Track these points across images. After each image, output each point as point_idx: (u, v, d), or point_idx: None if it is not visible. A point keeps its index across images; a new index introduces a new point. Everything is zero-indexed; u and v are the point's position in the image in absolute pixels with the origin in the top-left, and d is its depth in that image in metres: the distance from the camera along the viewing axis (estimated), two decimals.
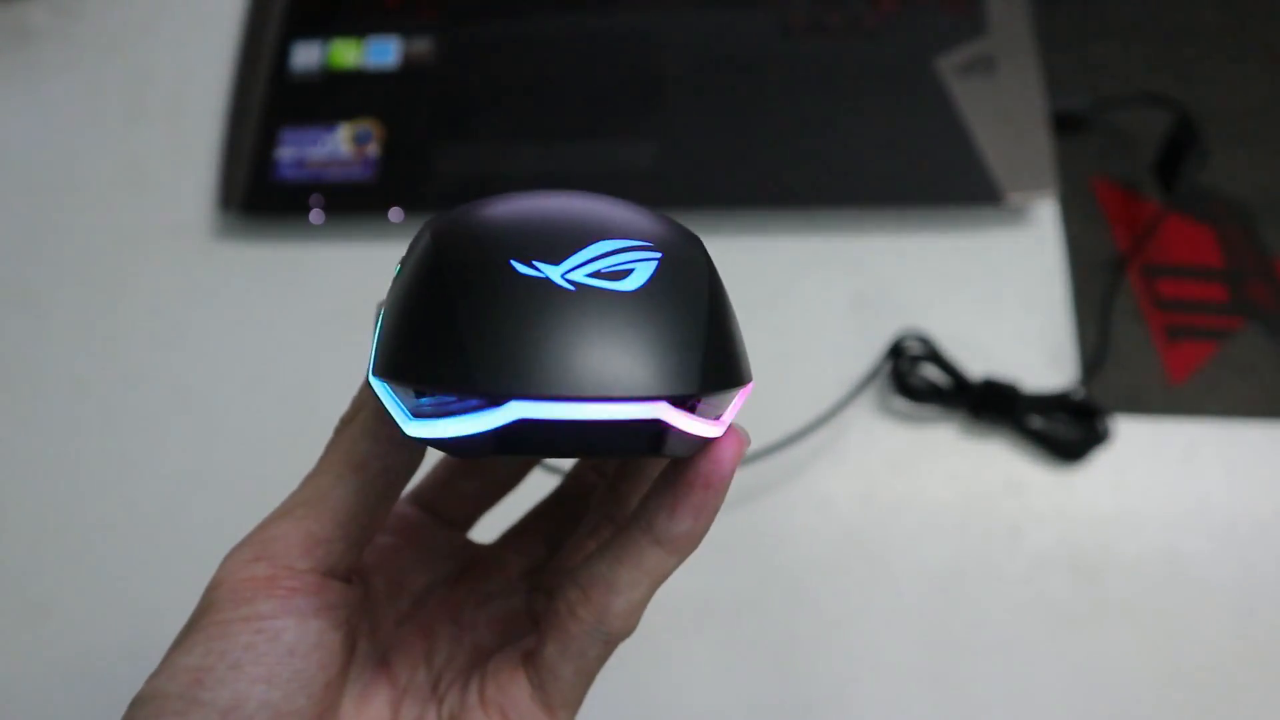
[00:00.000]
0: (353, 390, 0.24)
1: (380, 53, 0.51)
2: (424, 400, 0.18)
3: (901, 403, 0.44)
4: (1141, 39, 0.52)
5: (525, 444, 0.18)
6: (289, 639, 0.21)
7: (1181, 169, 0.46)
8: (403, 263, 0.20)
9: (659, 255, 0.19)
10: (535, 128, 0.49)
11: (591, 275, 0.18)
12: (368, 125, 0.50)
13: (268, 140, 0.49)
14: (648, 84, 0.49)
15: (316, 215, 0.48)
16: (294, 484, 0.23)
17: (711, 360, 0.18)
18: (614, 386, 0.17)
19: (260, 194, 0.49)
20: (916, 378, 0.43)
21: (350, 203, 0.48)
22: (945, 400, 0.43)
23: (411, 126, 0.49)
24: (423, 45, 0.51)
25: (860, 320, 0.46)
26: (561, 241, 0.18)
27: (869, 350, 0.45)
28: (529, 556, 0.28)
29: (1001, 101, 0.48)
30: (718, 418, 0.20)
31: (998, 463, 0.43)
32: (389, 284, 0.21)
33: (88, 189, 0.51)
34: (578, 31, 0.51)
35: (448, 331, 0.17)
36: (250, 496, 0.26)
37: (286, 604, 0.21)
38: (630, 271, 0.18)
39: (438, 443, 0.18)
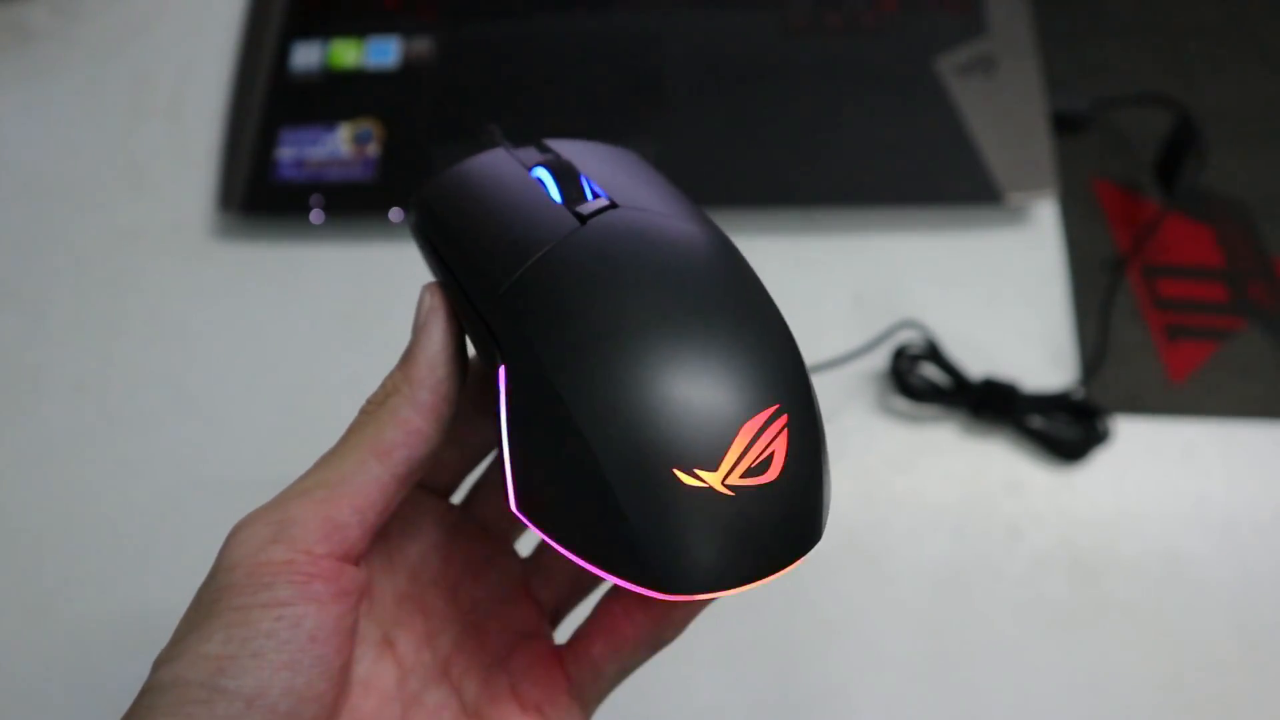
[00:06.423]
0: (355, 390, 0.24)
1: (380, 53, 0.51)
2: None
3: (901, 402, 0.44)
4: (1141, 39, 0.52)
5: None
6: (309, 625, 0.20)
7: (1181, 169, 0.46)
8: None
9: (785, 417, 0.21)
10: (535, 127, 0.49)
11: (744, 475, 0.20)
12: (368, 125, 0.50)
13: (268, 140, 0.49)
14: (648, 84, 0.49)
15: (316, 215, 0.48)
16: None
17: (826, 502, 0.22)
18: (775, 565, 0.21)
19: (260, 194, 0.48)
20: (916, 377, 0.43)
21: (350, 203, 0.48)
22: (945, 400, 0.43)
23: (411, 126, 0.49)
24: (423, 45, 0.51)
25: (860, 320, 0.46)
26: (710, 436, 0.20)
27: (868, 350, 0.45)
28: (507, 514, 0.28)
29: (1001, 101, 0.48)
30: None
31: (998, 463, 0.43)
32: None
33: (88, 189, 0.51)
34: (578, 31, 0.51)
35: (626, 541, 0.20)
36: (250, 496, 0.26)
37: (305, 590, 0.21)
38: (770, 457, 0.20)
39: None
